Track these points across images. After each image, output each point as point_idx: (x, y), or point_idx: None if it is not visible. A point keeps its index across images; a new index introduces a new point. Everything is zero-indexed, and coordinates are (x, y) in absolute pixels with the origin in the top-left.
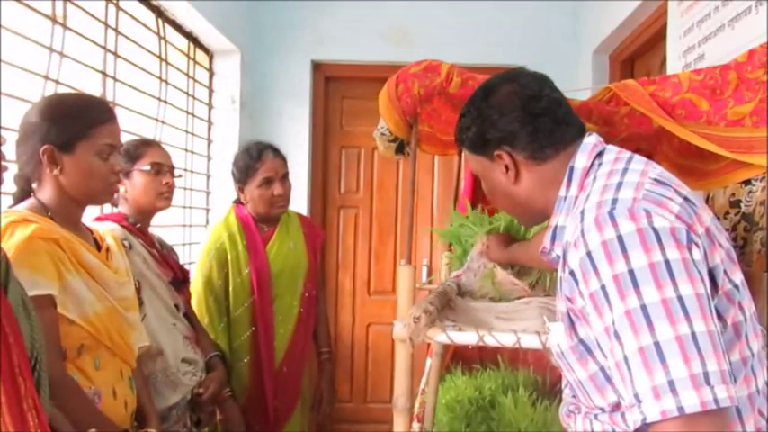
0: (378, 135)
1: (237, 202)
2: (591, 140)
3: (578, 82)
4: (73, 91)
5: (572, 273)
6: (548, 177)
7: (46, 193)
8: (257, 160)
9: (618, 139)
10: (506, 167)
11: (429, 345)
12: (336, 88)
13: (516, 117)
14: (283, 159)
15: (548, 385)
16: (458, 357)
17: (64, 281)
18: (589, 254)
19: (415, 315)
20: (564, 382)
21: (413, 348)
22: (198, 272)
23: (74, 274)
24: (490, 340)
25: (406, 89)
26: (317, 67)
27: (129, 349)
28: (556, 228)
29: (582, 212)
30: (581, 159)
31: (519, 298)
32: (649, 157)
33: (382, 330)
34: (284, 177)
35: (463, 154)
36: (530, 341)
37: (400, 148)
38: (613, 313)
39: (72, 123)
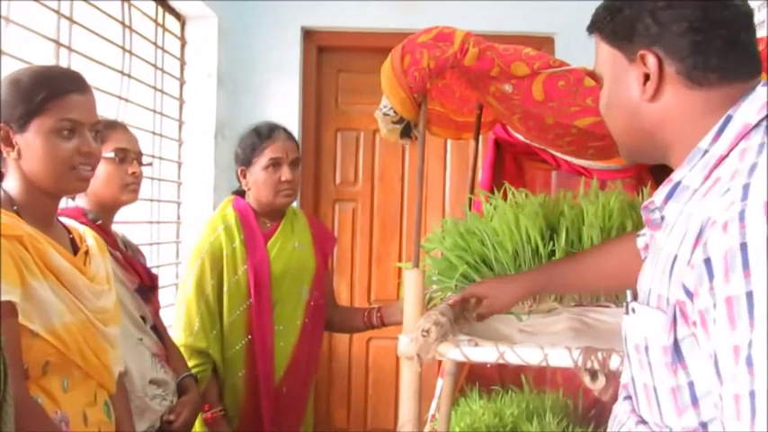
0: (380, 115)
1: (237, 193)
2: (766, 92)
3: None
4: (26, 64)
5: (708, 261)
6: (695, 110)
7: (11, 182)
8: (267, 138)
9: None
10: (646, 76)
11: (440, 363)
12: (331, 60)
13: (687, 16)
14: (296, 144)
15: (580, 410)
16: (474, 377)
17: (27, 286)
18: (744, 246)
19: (423, 328)
20: (623, 394)
21: (421, 367)
22: (188, 271)
23: (39, 279)
24: (512, 357)
25: (413, 61)
26: (308, 35)
27: (106, 370)
28: (678, 185)
29: (746, 187)
30: (747, 111)
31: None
32: None
33: (385, 346)
34: (295, 163)
35: None
36: (559, 358)
37: (406, 131)
38: (753, 333)
39: (26, 97)
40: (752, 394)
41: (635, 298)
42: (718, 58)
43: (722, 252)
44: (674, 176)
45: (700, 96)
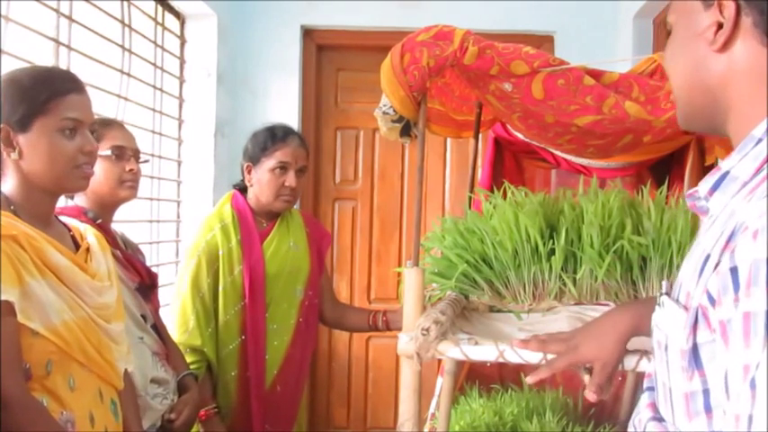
0: (380, 114)
1: (238, 187)
2: None
3: (617, 51)
4: (26, 63)
5: (735, 270)
6: (765, 72)
7: (8, 183)
8: (281, 141)
9: (661, 120)
10: (719, 26)
11: (440, 361)
12: (331, 59)
13: None
14: (307, 152)
15: (579, 409)
16: (474, 376)
17: (25, 285)
18: None
19: (423, 326)
20: (646, 384)
21: (421, 366)
22: (184, 268)
23: (37, 277)
24: (512, 356)
25: (413, 60)
26: (307, 33)
27: (111, 366)
28: (726, 175)
29: None
30: None
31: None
32: (699, 143)
33: (385, 345)
34: (301, 170)
35: None
36: None
37: (406, 130)
38: (764, 353)
39: (27, 97)
40: (750, 419)
41: (670, 290)
42: None
43: (748, 263)
44: (723, 165)
45: None
